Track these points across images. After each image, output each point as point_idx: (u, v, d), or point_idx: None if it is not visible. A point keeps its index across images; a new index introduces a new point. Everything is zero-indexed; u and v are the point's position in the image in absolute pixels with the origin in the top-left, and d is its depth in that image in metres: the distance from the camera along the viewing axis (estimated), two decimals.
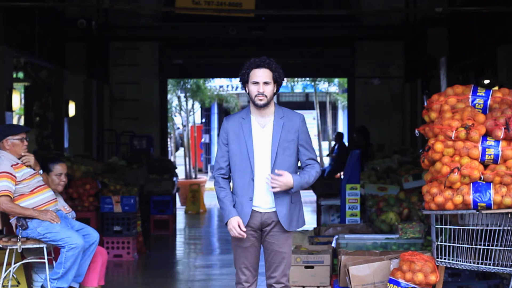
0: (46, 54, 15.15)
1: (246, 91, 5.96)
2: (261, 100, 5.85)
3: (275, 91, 5.93)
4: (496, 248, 6.13)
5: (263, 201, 5.89)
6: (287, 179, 5.79)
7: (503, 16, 12.39)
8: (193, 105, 29.16)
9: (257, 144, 5.89)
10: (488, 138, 6.13)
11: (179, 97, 28.47)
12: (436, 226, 6.24)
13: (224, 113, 33.95)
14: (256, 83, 5.84)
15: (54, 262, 7.40)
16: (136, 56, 18.84)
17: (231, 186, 6.02)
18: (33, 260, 7.54)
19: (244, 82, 5.93)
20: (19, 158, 7.45)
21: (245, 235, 5.83)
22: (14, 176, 7.29)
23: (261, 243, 5.98)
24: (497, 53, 12.78)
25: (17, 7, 12.61)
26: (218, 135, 6.09)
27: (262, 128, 5.90)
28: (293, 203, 5.92)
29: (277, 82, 5.91)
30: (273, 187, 5.79)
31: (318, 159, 7.36)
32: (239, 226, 5.81)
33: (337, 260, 7.39)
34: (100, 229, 11.01)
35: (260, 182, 5.88)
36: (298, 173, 5.97)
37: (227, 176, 5.98)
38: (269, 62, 5.89)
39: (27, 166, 7.44)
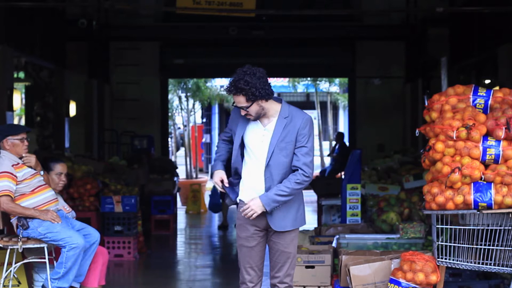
0: (47, 54, 15.14)
1: None
2: (249, 118, 5.80)
3: (263, 101, 5.71)
4: (497, 248, 6.12)
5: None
6: (255, 202, 5.72)
7: (504, 16, 12.39)
8: (193, 105, 29.15)
9: (254, 140, 5.82)
10: (489, 138, 6.12)
11: (179, 97, 28.46)
12: (437, 226, 6.23)
13: (225, 113, 33.91)
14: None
15: (55, 262, 7.40)
16: (136, 56, 18.84)
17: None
18: (34, 260, 7.54)
19: None
20: (20, 158, 7.45)
21: (222, 189, 5.88)
22: (15, 176, 7.29)
23: (267, 243, 5.95)
24: (497, 53, 12.79)
25: (18, 7, 12.60)
26: (219, 134, 6.07)
27: (264, 127, 5.85)
28: (286, 202, 5.79)
29: (259, 98, 5.65)
30: (250, 215, 5.74)
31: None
32: (222, 181, 5.87)
33: (338, 260, 7.39)
34: (100, 229, 11.01)
35: (252, 179, 5.83)
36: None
37: (228, 139, 6.01)
38: (238, 87, 5.59)
39: (28, 166, 7.45)
